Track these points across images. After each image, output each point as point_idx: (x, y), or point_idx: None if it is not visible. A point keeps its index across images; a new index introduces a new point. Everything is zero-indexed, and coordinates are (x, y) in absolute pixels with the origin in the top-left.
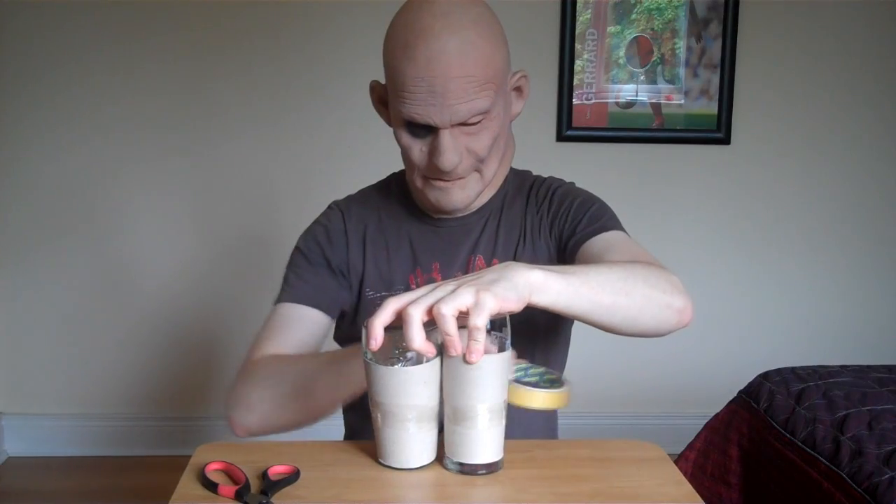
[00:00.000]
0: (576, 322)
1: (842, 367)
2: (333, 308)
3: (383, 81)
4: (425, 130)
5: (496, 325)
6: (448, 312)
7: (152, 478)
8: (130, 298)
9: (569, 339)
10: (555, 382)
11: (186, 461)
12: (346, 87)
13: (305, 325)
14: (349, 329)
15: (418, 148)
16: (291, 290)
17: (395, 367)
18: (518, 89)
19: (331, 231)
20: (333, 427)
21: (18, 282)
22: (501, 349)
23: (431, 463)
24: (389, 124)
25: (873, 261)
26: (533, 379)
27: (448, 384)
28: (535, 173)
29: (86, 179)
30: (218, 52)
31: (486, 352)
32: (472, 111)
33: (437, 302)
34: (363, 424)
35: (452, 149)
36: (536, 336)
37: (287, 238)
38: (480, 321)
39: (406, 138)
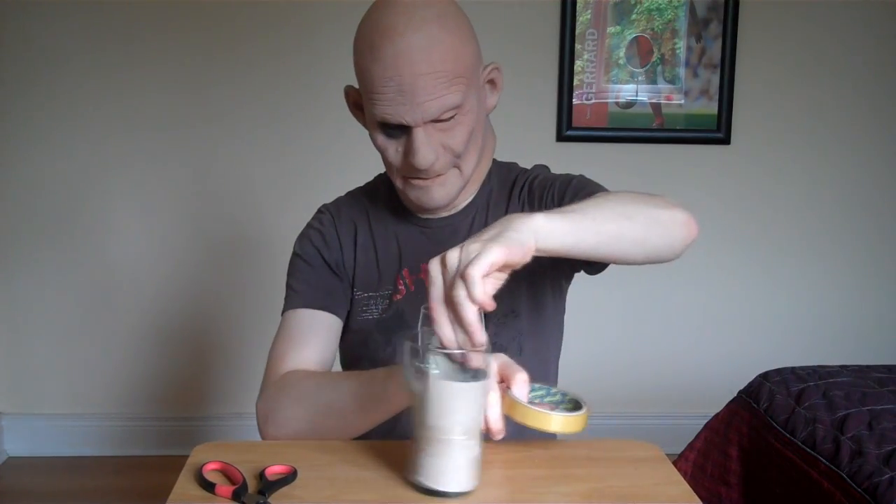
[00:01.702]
0: (572, 321)
1: (842, 367)
2: (342, 309)
3: (357, 86)
4: (399, 130)
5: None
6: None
7: (152, 478)
8: (130, 299)
9: (560, 330)
10: (575, 405)
11: (185, 461)
12: (338, 90)
13: (322, 332)
14: (347, 327)
15: (394, 148)
16: (300, 296)
17: (473, 382)
18: (491, 82)
19: (325, 234)
20: None
21: (18, 282)
22: (484, 366)
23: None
24: (366, 127)
25: (873, 261)
26: (554, 399)
27: (428, 406)
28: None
29: (83, 180)
30: (210, 54)
31: (470, 368)
32: (444, 107)
33: (460, 269)
34: None
35: (427, 146)
36: (521, 328)
37: (281, 239)
38: (477, 268)
39: (381, 139)
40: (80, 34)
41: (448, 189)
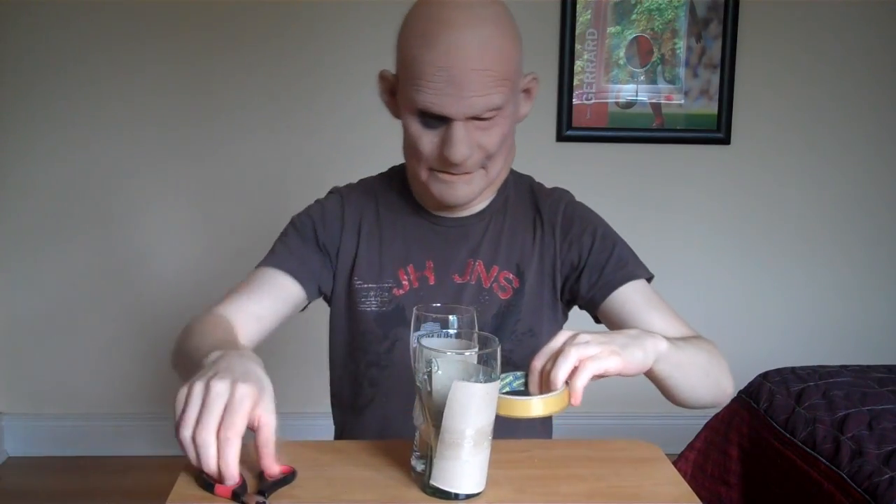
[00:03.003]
0: (573, 321)
1: (842, 367)
2: (311, 283)
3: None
4: (438, 121)
5: (486, 343)
6: (592, 370)
7: (152, 478)
8: (130, 299)
9: None
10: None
11: (185, 461)
12: (350, 88)
13: (278, 293)
14: (344, 316)
15: (429, 139)
16: (274, 257)
17: (489, 383)
18: (527, 91)
19: (327, 212)
20: (324, 427)
21: (19, 282)
22: (490, 373)
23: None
24: (395, 115)
25: (873, 261)
26: (519, 381)
27: (442, 407)
28: (534, 175)
29: (87, 180)
30: (222, 52)
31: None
32: (488, 105)
33: (582, 354)
34: (353, 423)
35: (464, 141)
36: (537, 346)
37: None
38: (592, 368)
39: (416, 128)
40: (88, 33)
41: (472, 188)
